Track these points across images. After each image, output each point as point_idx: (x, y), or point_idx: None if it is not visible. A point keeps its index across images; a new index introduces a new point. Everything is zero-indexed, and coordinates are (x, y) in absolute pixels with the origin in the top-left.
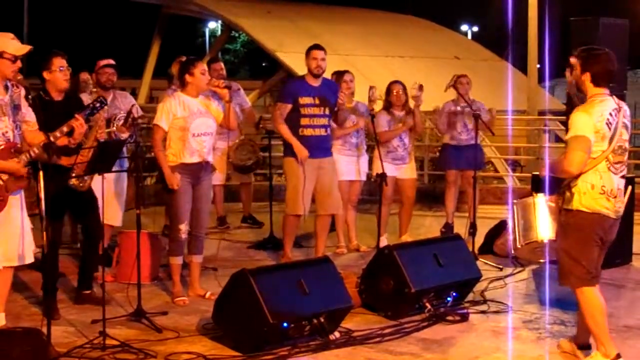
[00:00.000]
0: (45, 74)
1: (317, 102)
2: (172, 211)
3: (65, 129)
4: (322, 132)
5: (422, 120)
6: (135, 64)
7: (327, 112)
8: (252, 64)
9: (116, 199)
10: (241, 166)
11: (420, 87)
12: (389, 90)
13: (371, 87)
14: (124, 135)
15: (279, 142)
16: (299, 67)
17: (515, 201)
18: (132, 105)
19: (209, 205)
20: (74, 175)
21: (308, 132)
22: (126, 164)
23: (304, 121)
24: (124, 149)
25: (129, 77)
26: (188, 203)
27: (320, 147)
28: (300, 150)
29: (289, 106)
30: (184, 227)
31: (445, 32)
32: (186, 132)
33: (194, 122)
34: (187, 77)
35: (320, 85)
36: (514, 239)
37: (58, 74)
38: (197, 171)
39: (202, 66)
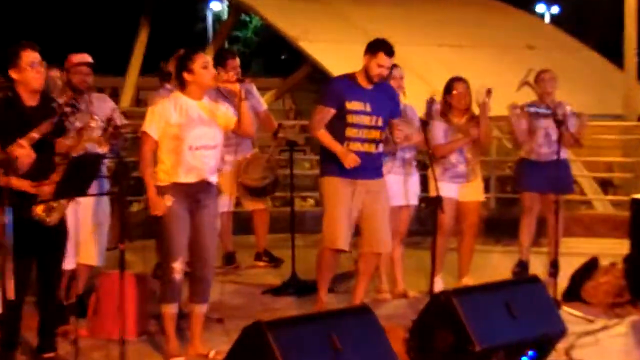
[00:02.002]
0: (13, 73)
1: (368, 109)
2: (163, 244)
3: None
4: (372, 148)
5: (490, 130)
6: (118, 58)
7: (380, 123)
8: (267, 56)
9: (94, 232)
10: (254, 188)
11: (489, 92)
12: (448, 89)
13: (432, 101)
14: (102, 149)
15: (301, 155)
16: (329, 60)
17: None
18: (113, 110)
19: (215, 238)
20: (38, 200)
21: (355, 146)
22: (107, 185)
23: (351, 132)
24: (103, 167)
25: (110, 75)
26: (184, 234)
27: (369, 167)
28: (347, 155)
29: (333, 111)
30: (178, 266)
31: (516, 13)
32: (181, 143)
33: (192, 132)
34: (186, 75)
35: (373, 89)
36: None
37: (29, 71)
38: (194, 193)
39: (203, 58)
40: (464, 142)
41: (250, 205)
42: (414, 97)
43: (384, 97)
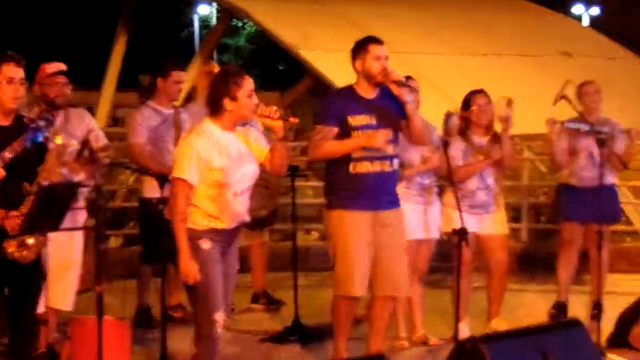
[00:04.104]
0: None
1: (374, 122)
2: (201, 294)
3: None
4: (386, 166)
5: (516, 149)
6: (91, 70)
7: (390, 135)
8: (263, 66)
9: (67, 271)
10: (252, 219)
11: (509, 103)
12: (467, 104)
13: (449, 114)
14: (79, 176)
15: (305, 182)
16: (334, 71)
17: None
18: (89, 132)
19: (234, 283)
20: (10, 235)
21: (363, 167)
22: (82, 218)
23: (357, 151)
24: (80, 197)
25: (82, 89)
26: (221, 281)
27: (381, 192)
28: (371, 137)
29: (335, 130)
30: (220, 318)
31: (550, 16)
32: (225, 189)
33: (237, 174)
34: (227, 103)
35: (378, 97)
36: None
37: (5, 88)
38: (231, 236)
39: (250, 86)
40: (485, 164)
41: (246, 239)
42: (432, 114)
43: (390, 104)
